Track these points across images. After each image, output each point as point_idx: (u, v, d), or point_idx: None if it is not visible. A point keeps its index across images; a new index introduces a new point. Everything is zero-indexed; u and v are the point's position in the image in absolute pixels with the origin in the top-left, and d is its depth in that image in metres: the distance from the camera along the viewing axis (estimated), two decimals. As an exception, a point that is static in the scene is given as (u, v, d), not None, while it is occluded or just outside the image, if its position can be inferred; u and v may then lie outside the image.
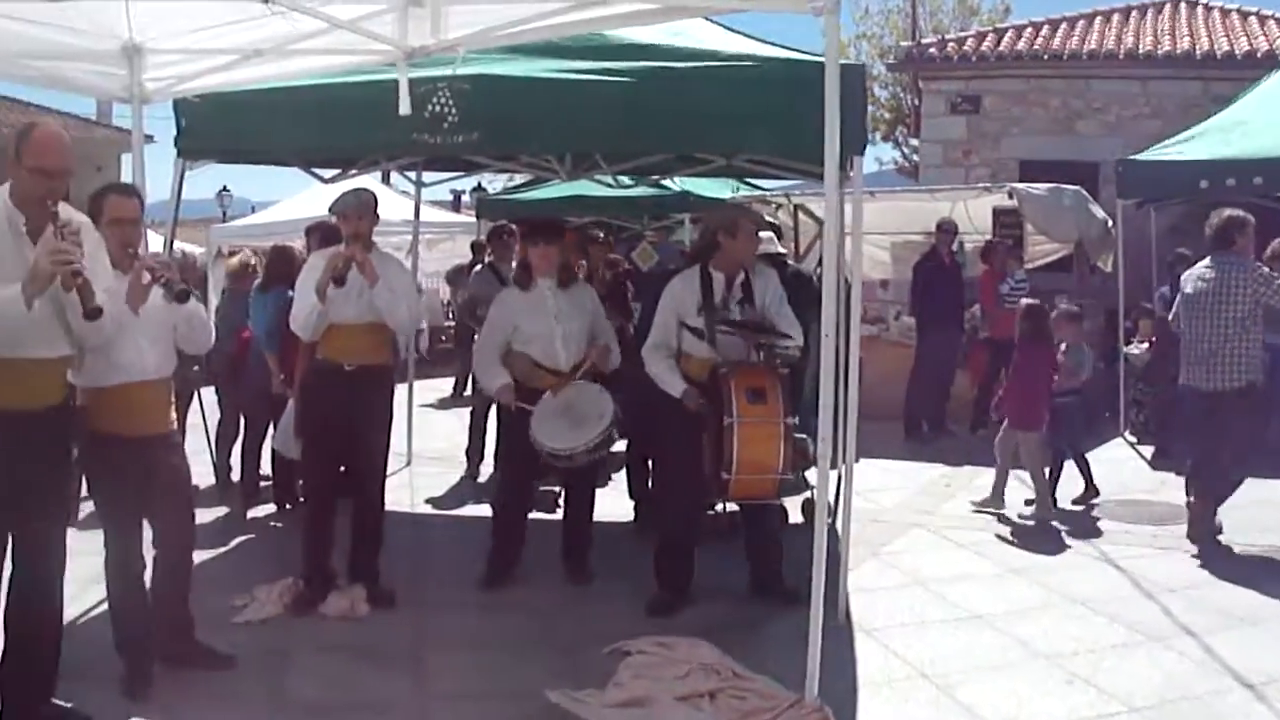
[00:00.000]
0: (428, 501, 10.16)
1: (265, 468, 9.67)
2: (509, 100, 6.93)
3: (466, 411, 11.41)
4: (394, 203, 21.61)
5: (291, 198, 23.53)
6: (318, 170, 10.09)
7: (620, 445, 8.13)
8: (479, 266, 11.66)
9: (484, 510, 8.52)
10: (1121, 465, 11.53)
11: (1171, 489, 9.99)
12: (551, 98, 6.88)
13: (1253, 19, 20.71)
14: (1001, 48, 20.15)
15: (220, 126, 7.79)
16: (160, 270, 5.43)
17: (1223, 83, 17.34)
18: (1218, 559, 8.17)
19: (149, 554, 5.77)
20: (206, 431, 9.74)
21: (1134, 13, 21.36)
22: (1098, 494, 9.89)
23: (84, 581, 6.67)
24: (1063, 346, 9.75)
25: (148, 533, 5.75)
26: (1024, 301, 10.21)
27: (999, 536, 8.95)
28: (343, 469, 7.24)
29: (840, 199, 5.37)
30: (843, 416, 7.05)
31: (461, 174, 12.58)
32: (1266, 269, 8.43)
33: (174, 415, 5.89)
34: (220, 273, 19.31)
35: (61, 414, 5.09)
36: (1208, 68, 18.62)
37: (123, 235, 5.52)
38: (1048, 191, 13.79)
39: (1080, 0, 23.23)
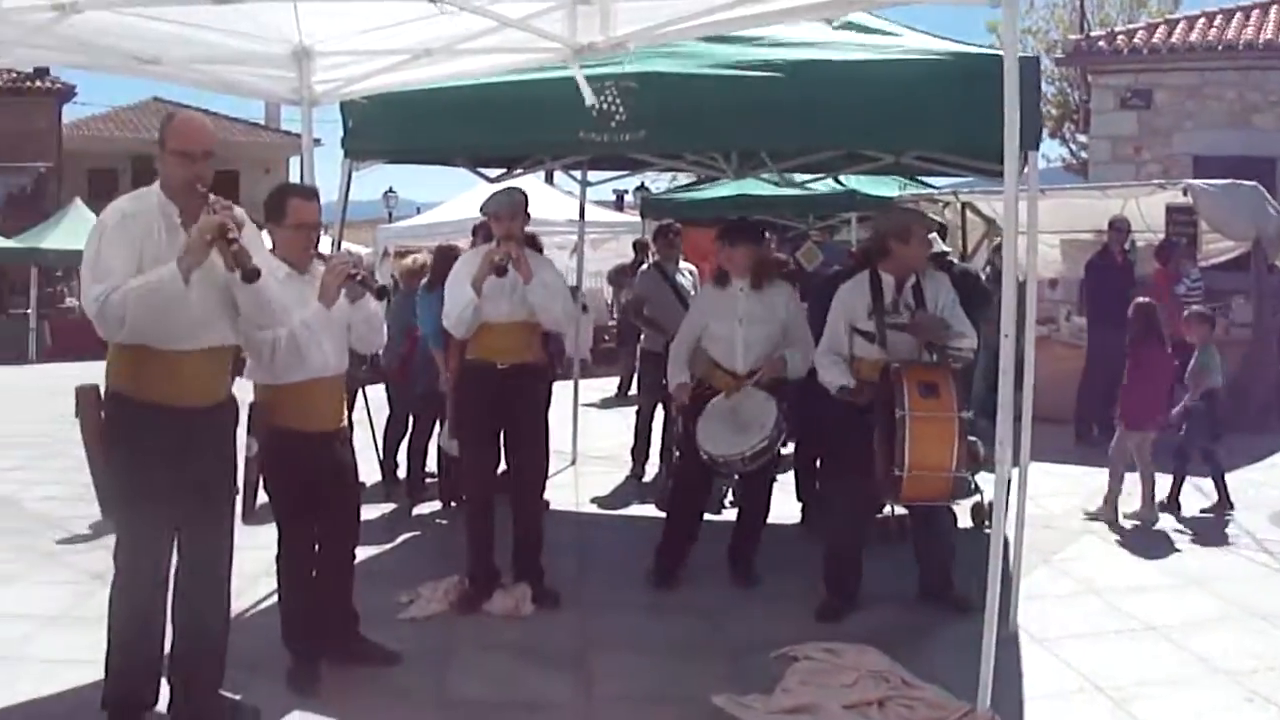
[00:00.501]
0: (593, 501, 10.18)
1: (431, 465, 9.78)
2: (677, 97, 6.86)
3: (631, 411, 11.40)
4: (557, 202, 21.80)
5: (456, 198, 23.84)
6: (483, 170, 10.15)
7: (788, 447, 8.05)
8: (645, 265, 11.64)
9: (649, 510, 8.51)
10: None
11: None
12: (720, 94, 6.78)
13: None
14: (1173, 39, 19.62)
15: (386, 127, 7.86)
16: (358, 269, 5.54)
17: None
18: None
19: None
20: (372, 428, 9.86)
21: (1311, 0, 20.62)
22: (1231, 507, 9.50)
23: (253, 575, 6.80)
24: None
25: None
26: (1135, 300, 9.93)
27: (1174, 545, 8.64)
28: (502, 468, 7.25)
29: (1017, 196, 5.21)
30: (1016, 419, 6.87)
31: (626, 173, 12.58)
32: None
33: (345, 412, 5.95)
34: (387, 273, 19.66)
35: (227, 412, 5.15)
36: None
37: (305, 238, 5.63)
38: (1223, 187, 13.35)
39: (1252, -11, 22.49)
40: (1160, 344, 9.44)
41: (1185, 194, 13.39)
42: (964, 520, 8.17)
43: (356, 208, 11.30)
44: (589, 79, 6.46)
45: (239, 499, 5.61)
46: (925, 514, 6.88)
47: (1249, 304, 14.46)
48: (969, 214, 14.36)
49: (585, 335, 13.25)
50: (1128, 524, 9.15)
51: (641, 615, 6.97)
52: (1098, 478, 9.66)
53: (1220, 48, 18.91)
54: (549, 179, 24.14)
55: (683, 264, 10.85)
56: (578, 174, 12.05)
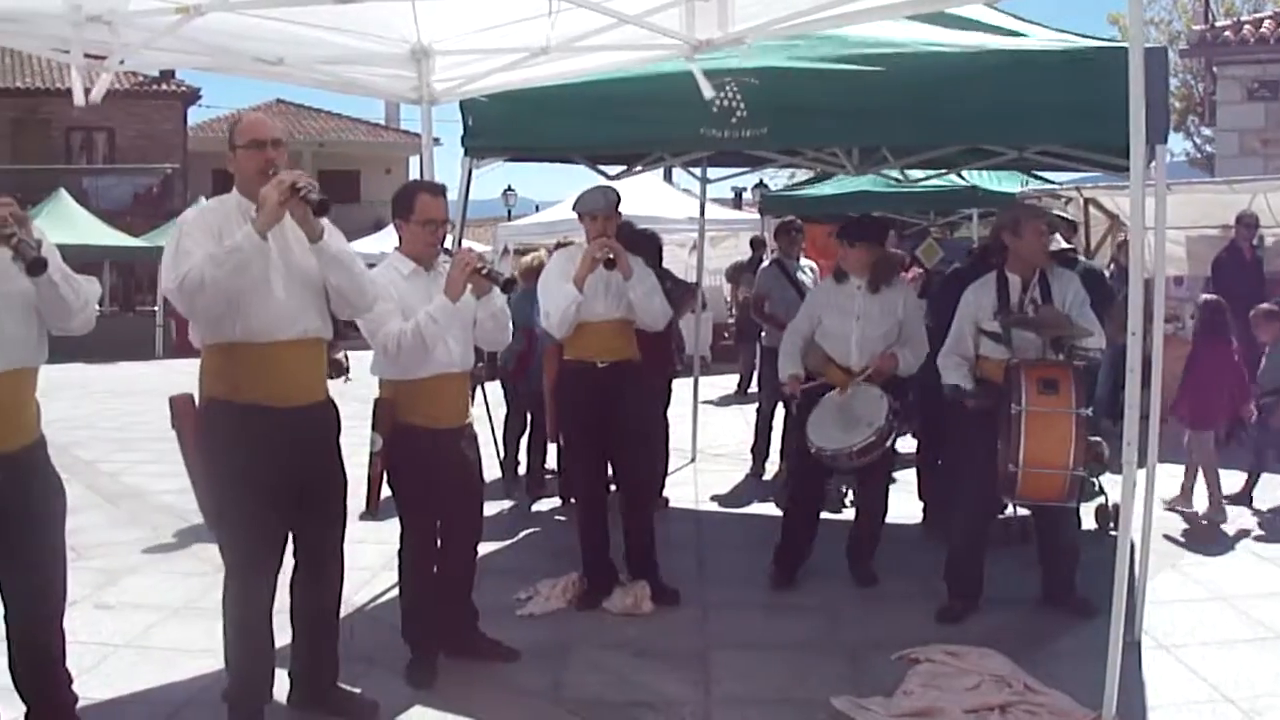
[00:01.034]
0: (712, 499, 10.14)
1: (551, 462, 9.82)
2: (798, 93, 6.80)
3: (751, 409, 11.36)
4: (676, 200, 21.79)
5: (575, 196, 23.93)
6: (602, 167, 10.15)
7: (910, 446, 7.96)
8: (766, 262, 11.58)
9: (769, 509, 8.46)
10: None
11: None
12: (842, 89, 6.70)
13: None
14: (1302, 28, 19.09)
15: (506, 125, 7.90)
16: (485, 264, 5.58)
17: None
18: None
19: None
20: (491, 425, 9.92)
21: None
22: None
23: (375, 568, 6.89)
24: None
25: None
26: (1201, 296, 9.69)
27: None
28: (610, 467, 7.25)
29: (1144, 191, 5.08)
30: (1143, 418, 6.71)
31: (745, 170, 12.49)
32: None
33: (471, 409, 5.97)
34: (506, 271, 19.80)
35: (327, 411, 5.17)
36: None
37: (432, 234, 5.67)
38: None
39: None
40: (1225, 342, 9.31)
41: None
42: (1088, 522, 8.01)
43: (476, 206, 11.39)
44: (708, 74, 6.42)
45: (366, 494, 5.66)
46: (1049, 516, 6.73)
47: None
48: (1092, 210, 14.07)
49: (705, 332, 13.20)
50: (1204, 523, 8.98)
51: (761, 614, 6.92)
52: (1224, 479, 9.41)
53: (1352, 35, 18.39)
54: (667, 176, 24.15)
55: (803, 260, 10.79)
56: (697, 171, 11.98)
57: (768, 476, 10.64)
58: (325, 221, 4.91)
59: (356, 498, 5.35)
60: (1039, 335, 6.45)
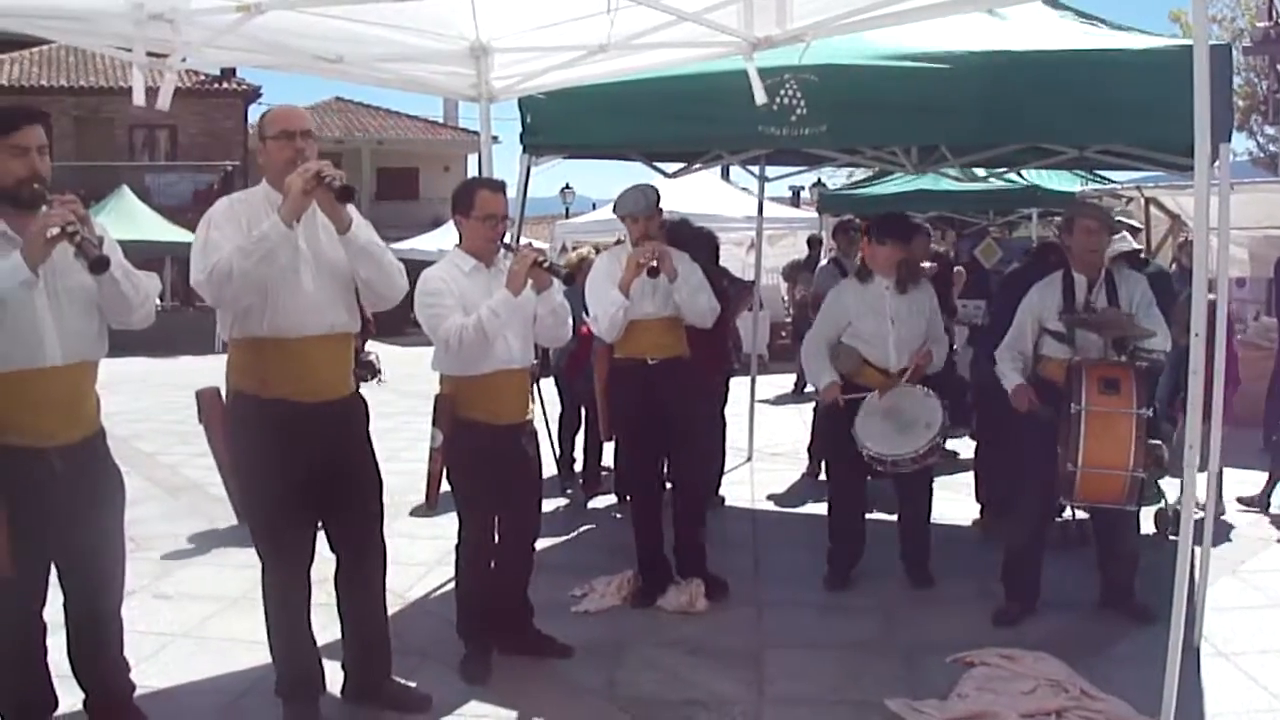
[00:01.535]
0: (769, 498, 10.11)
1: (607, 459, 9.83)
2: (858, 90, 6.76)
3: (808, 408, 11.32)
4: (733, 198, 21.74)
5: (631, 194, 23.92)
6: (660, 165, 10.14)
7: (967, 447, 7.91)
8: (824, 261, 11.54)
9: (824, 508, 8.41)
10: None
11: None
12: (903, 87, 6.66)
13: None
14: (1367, 23, 18.81)
15: (564, 122, 7.91)
16: (545, 257, 5.61)
17: None
18: None
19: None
20: (545, 421, 9.94)
21: None
22: None
23: (430, 563, 6.92)
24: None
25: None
26: None
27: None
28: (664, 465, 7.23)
29: (1208, 191, 5.01)
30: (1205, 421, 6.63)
31: (803, 168, 12.43)
32: None
33: (531, 405, 5.99)
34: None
35: (353, 407, 5.19)
36: None
37: (492, 229, 5.67)
38: None
39: None
40: None
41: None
42: (1147, 526, 7.93)
43: (534, 204, 11.40)
44: (768, 71, 6.40)
45: (425, 489, 5.69)
46: (1109, 519, 6.65)
47: None
48: (1153, 210, 13.93)
49: (762, 331, 13.16)
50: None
51: (816, 614, 6.89)
52: (1246, 483, 9.31)
53: None
54: (725, 175, 24.10)
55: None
56: (755, 169, 11.94)
57: (824, 476, 10.58)
58: (354, 213, 4.95)
59: (415, 493, 5.37)
60: (1101, 335, 6.38)
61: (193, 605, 6.96)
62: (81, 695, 4.88)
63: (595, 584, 7.17)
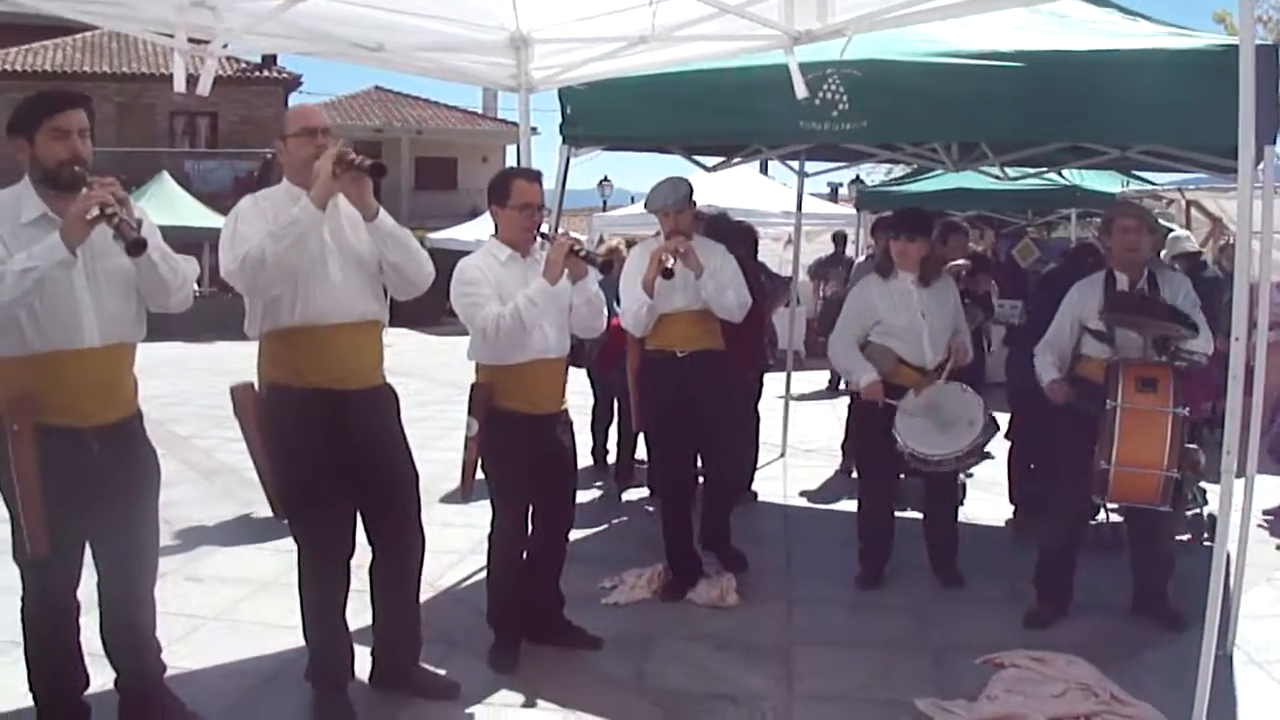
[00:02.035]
0: (801, 494, 10.08)
1: (640, 452, 9.82)
2: (900, 87, 6.71)
3: (843, 404, 11.29)
4: (771, 193, 21.66)
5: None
6: (699, 158, 10.12)
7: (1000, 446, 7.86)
8: (862, 259, 11.50)
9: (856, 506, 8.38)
10: None
11: None
12: (945, 84, 6.61)
13: None
14: None
15: (604, 114, 7.89)
16: (579, 245, 5.61)
17: None
18: None
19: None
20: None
21: None
22: None
23: (462, 552, 6.94)
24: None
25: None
26: None
27: None
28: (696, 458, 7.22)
29: (1251, 194, 4.97)
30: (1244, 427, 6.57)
31: (843, 164, 12.39)
32: None
33: (566, 395, 5.99)
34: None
35: (385, 397, 5.22)
36: None
37: (528, 219, 5.68)
38: None
39: None
40: None
41: None
42: (1182, 532, 7.87)
43: (571, 196, 11.41)
44: (810, 66, 6.37)
45: (460, 477, 5.71)
46: (1144, 523, 6.58)
47: None
48: (1194, 212, 13.82)
49: (798, 327, 13.10)
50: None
51: (847, 612, 6.87)
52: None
53: None
54: (763, 169, 24.06)
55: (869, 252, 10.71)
56: (794, 164, 11.88)
57: (855, 474, 10.55)
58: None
59: (449, 481, 5.37)
60: (1142, 333, 6.33)
61: (224, 588, 7.01)
62: (113, 674, 4.92)
63: (626, 576, 7.17)
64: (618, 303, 7.18)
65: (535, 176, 5.81)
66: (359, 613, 5.33)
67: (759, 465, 9.84)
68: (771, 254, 17.16)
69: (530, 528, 5.88)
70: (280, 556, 7.48)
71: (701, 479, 7.27)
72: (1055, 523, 6.75)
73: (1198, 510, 8.02)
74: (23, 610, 4.61)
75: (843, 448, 10.85)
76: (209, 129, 38.60)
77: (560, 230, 7.13)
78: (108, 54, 37.75)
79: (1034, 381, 6.68)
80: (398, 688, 5.37)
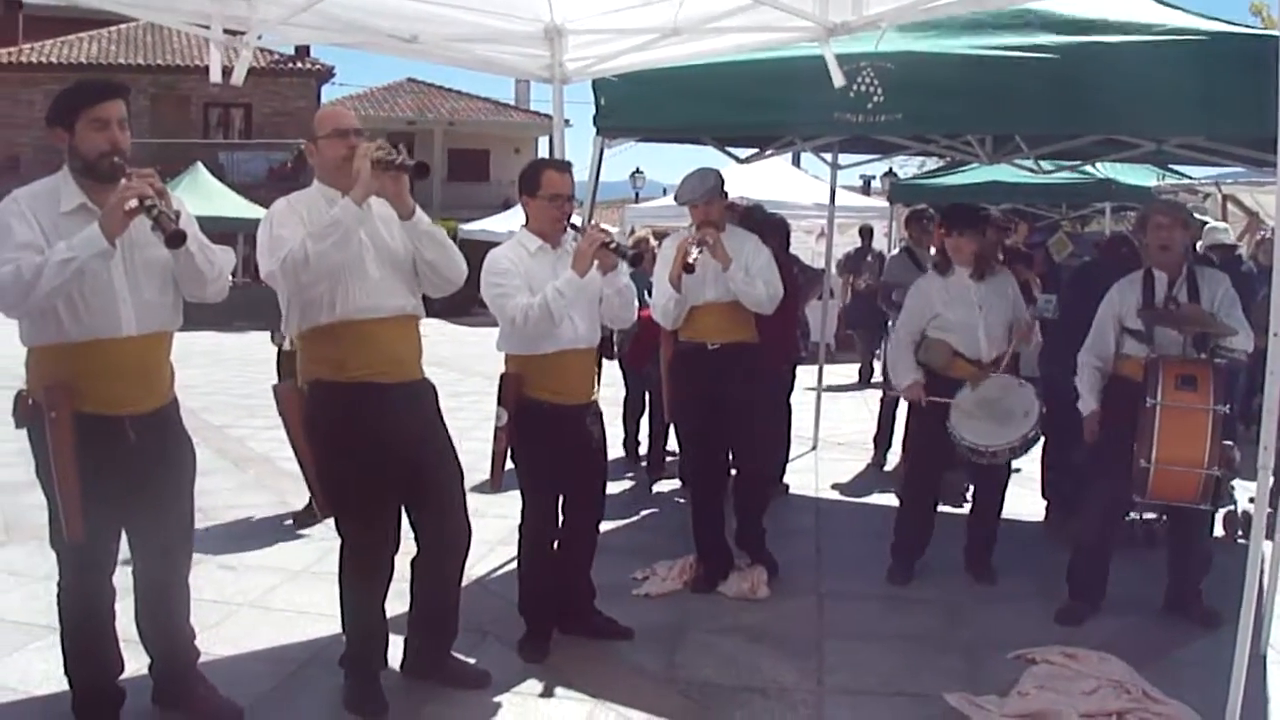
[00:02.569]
0: (833, 487, 10.07)
1: (672, 444, 9.82)
2: (935, 79, 6.69)
3: (875, 397, 11.26)
4: (804, 185, 21.62)
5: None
6: (732, 150, 10.10)
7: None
8: (895, 251, 11.47)
9: (889, 499, 8.38)
10: None
11: None
12: (980, 76, 6.58)
13: None
14: None
15: (637, 105, 7.88)
16: (611, 238, 5.61)
17: None
18: None
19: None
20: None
21: None
22: None
23: (492, 542, 6.95)
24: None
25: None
26: None
27: None
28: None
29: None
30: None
31: (876, 157, 12.34)
32: None
33: (597, 386, 6.00)
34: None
35: (426, 390, 5.23)
36: None
37: (559, 210, 5.69)
38: None
39: None
40: None
41: None
42: (1216, 529, 7.81)
43: (605, 188, 11.40)
44: (845, 59, 6.35)
45: (490, 468, 5.73)
46: (1182, 520, 6.55)
47: None
48: (1230, 206, 13.73)
49: (830, 319, 13.07)
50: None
51: (878, 606, 6.86)
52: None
53: None
54: (795, 161, 23.99)
55: (934, 250, 10.65)
56: (827, 156, 11.85)
57: (889, 467, 10.53)
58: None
59: (479, 471, 5.39)
60: (1181, 332, 6.29)
61: (257, 576, 7.05)
62: (147, 660, 4.96)
63: (657, 568, 7.18)
64: (649, 294, 7.18)
65: (565, 167, 5.82)
66: (393, 599, 5.33)
67: (790, 458, 9.82)
68: (804, 247, 17.09)
69: (560, 518, 5.88)
70: (312, 544, 7.54)
71: (733, 471, 7.25)
72: (1091, 519, 6.70)
73: (1231, 507, 7.97)
74: (59, 596, 4.66)
75: (875, 440, 10.84)
76: (243, 120, 38.84)
77: (592, 222, 7.13)
78: (142, 46, 38.02)
79: (1067, 377, 6.65)
80: (429, 676, 5.38)
